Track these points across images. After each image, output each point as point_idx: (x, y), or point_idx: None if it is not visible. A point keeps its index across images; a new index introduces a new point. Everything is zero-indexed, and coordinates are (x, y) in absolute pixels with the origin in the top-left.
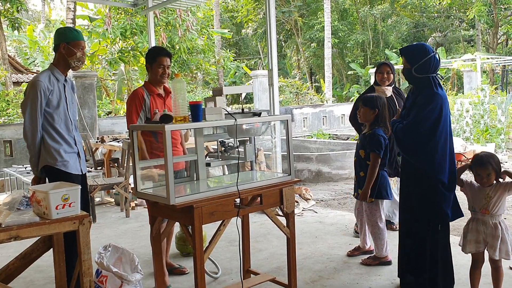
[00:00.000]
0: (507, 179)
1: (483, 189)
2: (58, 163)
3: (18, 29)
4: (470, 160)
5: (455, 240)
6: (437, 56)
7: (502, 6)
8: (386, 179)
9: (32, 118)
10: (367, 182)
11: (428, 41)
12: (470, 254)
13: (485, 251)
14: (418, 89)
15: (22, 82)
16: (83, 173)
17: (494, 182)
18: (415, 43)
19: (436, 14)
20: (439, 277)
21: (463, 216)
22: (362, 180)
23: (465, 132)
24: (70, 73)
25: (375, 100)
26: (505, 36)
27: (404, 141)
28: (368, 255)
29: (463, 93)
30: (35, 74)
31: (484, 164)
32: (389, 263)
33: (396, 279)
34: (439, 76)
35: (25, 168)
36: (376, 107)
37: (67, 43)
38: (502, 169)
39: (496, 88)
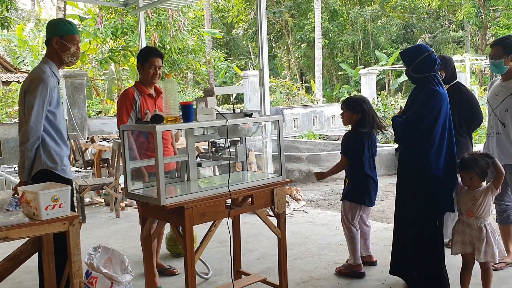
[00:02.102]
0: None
1: (470, 192)
2: (58, 168)
3: (7, 28)
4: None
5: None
6: (433, 55)
7: (490, 8)
8: (371, 186)
9: (38, 117)
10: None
11: (418, 42)
12: (460, 255)
13: None
14: (419, 87)
15: (11, 82)
16: None
17: (483, 185)
18: (413, 45)
19: (425, 16)
20: (444, 273)
21: (454, 211)
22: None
23: None
24: (60, 72)
25: (358, 104)
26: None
27: (402, 135)
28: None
29: None
30: (27, 72)
31: (467, 168)
32: (362, 275)
33: (387, 279)
34: (439, 74)
35: (14, 168)
36: (358, 111)
37: (60, 37)
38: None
39: (485, 89)
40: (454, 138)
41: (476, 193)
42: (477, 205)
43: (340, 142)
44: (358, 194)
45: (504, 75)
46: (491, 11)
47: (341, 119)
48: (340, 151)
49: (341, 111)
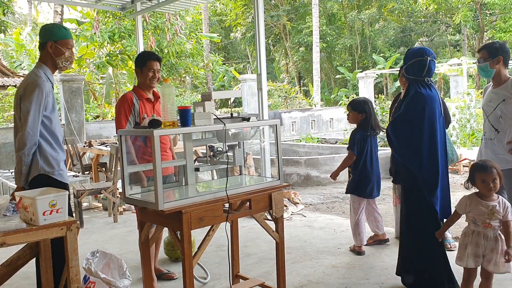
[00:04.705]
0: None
1: (485, 204)
2: (55, 173)
3: (5, 32)
4: (468, 172)
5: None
6: (424, 61)
7: (487, 12)
8: (365, 179)
9: (35, 123)
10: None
11: (415, 45)
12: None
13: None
14: (408, 89)
15: (8, 86)
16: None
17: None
18: (418, 46)
19: (423, 19)
20: (443, 276)
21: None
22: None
23: (451, 136)
24: (57, 76)
25: (362, 105)
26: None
27: (391, 138)
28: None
29: (449, 98)
30: (23, 76)
31: (489, 168)
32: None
33: (385, 282)
34: (428, 80)
35: (11, 173)
36: (363, 111)
37: (55, 41)
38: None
39: (481, 93)
40: (443, 141)
41: (494, 207)
42: (496, 218)
43: (348, 139)
44: (361, 188)
45: (495, 82)
46: (488, 15)
47: (347, 118)
48: (347, 147)
49: (347, 111)
